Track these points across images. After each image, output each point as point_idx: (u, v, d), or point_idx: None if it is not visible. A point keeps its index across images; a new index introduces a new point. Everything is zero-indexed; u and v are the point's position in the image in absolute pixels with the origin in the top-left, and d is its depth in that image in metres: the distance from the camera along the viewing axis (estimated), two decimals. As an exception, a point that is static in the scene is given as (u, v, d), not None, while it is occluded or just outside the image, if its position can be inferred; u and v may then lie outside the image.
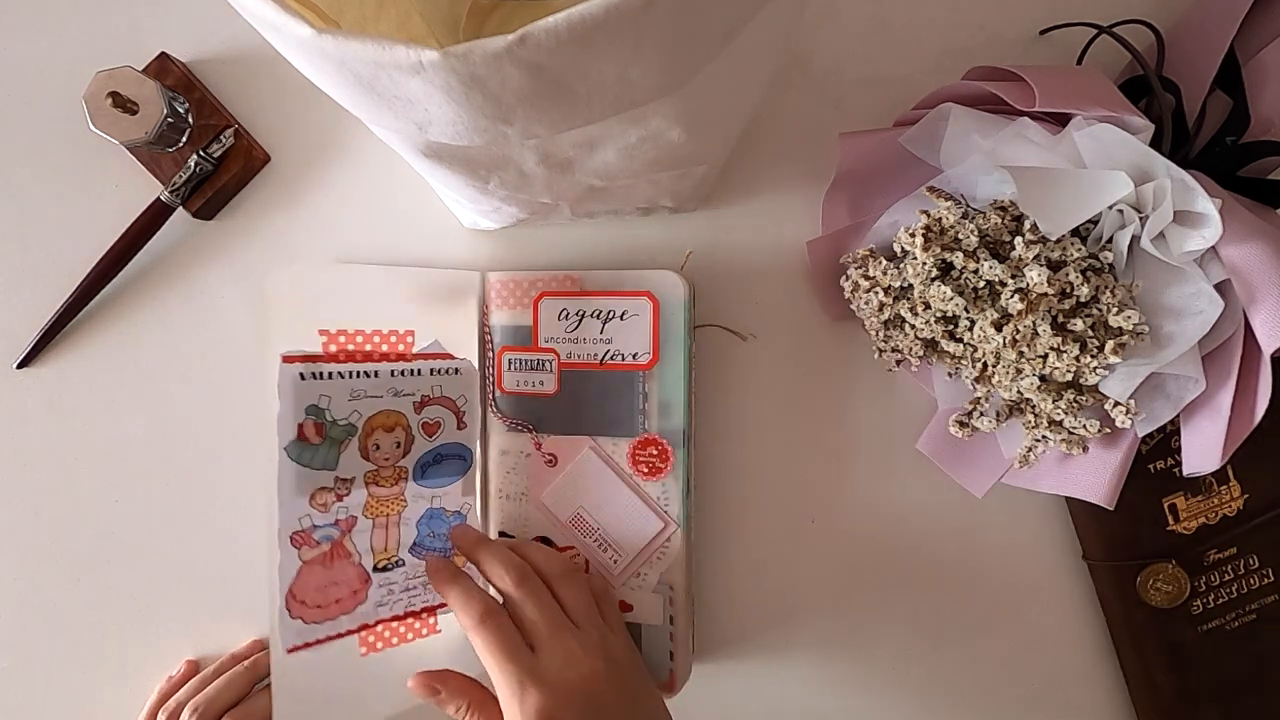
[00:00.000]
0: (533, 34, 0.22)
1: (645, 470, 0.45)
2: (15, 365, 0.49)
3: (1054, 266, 0.38)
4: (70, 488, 0.50)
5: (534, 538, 0.46)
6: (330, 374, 0.40)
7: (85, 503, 0.50)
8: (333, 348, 0.41)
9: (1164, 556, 0.46)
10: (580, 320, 0.45)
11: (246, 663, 0.47)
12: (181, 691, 0.46)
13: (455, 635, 0.44)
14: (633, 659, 0.40)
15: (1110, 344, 0.37)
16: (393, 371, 0.42)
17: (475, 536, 0.43)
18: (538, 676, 0.35)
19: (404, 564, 0.43)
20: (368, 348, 0.42)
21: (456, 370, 0.45)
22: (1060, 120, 0.39)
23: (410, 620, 0.44)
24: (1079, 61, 0.45)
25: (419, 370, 0.43)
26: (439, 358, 0.44)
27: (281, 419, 0.39)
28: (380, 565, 0.43)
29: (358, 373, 0.41)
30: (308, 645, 0.41)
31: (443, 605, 0.44)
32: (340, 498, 0.41)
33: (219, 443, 0.49)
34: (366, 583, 0.42)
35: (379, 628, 0.43)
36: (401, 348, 0.43)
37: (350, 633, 0.42)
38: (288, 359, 0.40)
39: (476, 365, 0.46)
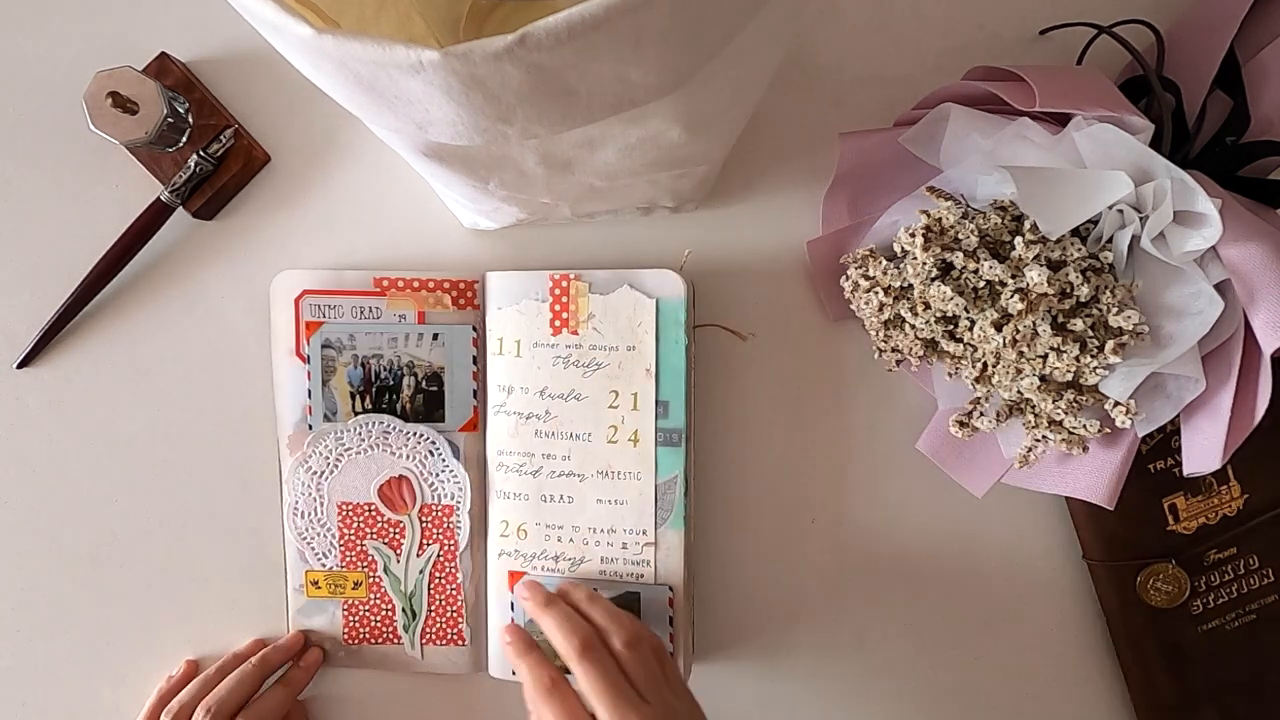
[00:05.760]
0: (533, 34, 0.22)
1: None
2: (15, 365, 0.49)
3: (1054, 266, 0.38)
4: (70, 488, 0.50)
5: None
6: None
7: (85, 503, 0.50)
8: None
9: (1164, 556, 0.46)
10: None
11: (255, 659, 0.46)
12: (185, 692, 0.45)
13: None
14: None
15: (1110, 344, 0.37)
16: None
17: (544, 597, 0.42)
18: None
19: None
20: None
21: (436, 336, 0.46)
22: (1060, 120, 0.39)
23: None
24: (1079, 61, 0.45)
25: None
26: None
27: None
28: None
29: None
30: None
31: None
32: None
33: (219, 442, 0.49)
34: None
35: None
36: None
37: None
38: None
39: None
